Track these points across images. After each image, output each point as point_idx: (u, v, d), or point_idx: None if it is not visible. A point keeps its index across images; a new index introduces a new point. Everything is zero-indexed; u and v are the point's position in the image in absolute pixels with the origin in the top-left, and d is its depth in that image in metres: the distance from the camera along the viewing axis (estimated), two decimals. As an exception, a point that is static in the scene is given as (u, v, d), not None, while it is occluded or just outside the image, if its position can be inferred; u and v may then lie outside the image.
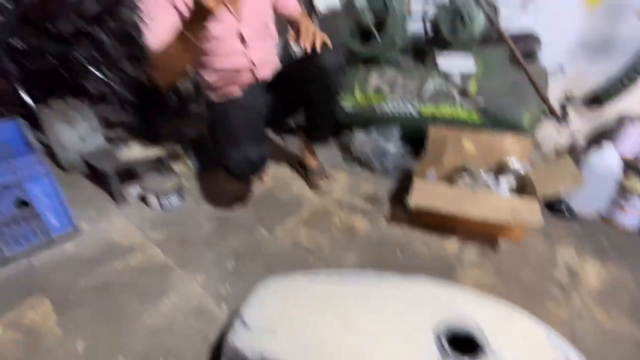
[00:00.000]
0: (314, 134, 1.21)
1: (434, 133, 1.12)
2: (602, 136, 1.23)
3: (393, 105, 1.31)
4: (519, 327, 0.44)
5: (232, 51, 1.03)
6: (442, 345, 0.39)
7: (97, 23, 1.88)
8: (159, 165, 1.32)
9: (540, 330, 0.43)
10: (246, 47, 1.05)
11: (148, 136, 1.55)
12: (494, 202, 0.87)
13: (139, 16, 0.98)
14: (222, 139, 1.02)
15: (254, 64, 1.08)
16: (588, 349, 0.58)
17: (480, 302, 0.48)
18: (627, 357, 0.62)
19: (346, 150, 1.47)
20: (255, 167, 0.98)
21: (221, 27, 0.96)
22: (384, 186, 1.22)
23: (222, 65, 1.04)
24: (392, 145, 1.30)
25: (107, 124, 2.03)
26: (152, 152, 1.28)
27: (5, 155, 1.16)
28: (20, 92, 1.68)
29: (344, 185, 1.24)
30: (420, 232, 0.97)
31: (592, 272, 0.82)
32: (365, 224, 1.01)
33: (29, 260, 0.89)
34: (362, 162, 1.35)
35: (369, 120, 1.39)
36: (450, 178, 1.06)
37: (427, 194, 0.92)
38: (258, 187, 1.22)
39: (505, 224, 0.83)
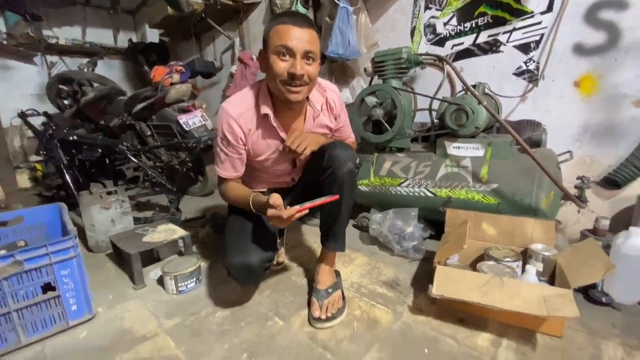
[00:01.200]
0: (329, 241, 1.04)
1: (451, 214, 1.12)
2: (624, 217, 1.20)
3: (408, 188, 1.35)
4: None
5: (282, 173, 1.13)
6: None
7: (141, 118, 2.16)
8: (180, 247, 1.35)
9: None
10: (293, 170, 1.13)
11: (175, 220, 1.63)
12: (523, 291, 0.82)
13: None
14: (228, 239, 1.02)
15: (293, 179, 1.16)
16: None
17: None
18: None
19: (363, 230, 1.47)
20: (255, 275, 0.97)
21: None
22: (405, 270, 1.18)
23: (268, 180, 1.14)
24: (411, 226, 1.30)
25: (138, 206, 2.17)
26: (178, 233, 1.33)
27: (42, 238, 1.24)
28: (67, 179, 1.86)
29: (363, 268, 1.21)
30: (448, 325, 0.89)
31: (653, 377, 0.71)
32: (387, 314, 0.95)
33: (42, 347, 0.87)
34: (381, 244, 1.34)
35: (385, 201, 1.42)
36: (473, 264, 1.03)
37: (451, 282, 0.88)
38: (276, 269, 1.21)
39: (539, 315, 0.76)
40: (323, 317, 0.92)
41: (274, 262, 1.21)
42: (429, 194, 1.30)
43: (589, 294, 0.98)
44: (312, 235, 1.51)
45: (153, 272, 1.26)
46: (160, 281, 1.17)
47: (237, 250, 0.95)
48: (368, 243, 1.40)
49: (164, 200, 2.11)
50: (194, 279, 1.14)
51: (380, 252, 1.32)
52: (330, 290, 0.99)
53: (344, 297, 1.00)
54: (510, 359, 0.77)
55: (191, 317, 0.98)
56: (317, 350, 0.83)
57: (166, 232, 1.38)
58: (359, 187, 1.50)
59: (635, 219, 1.13)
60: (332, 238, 1.04)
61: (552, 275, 0.96)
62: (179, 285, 1.11)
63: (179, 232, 1.35)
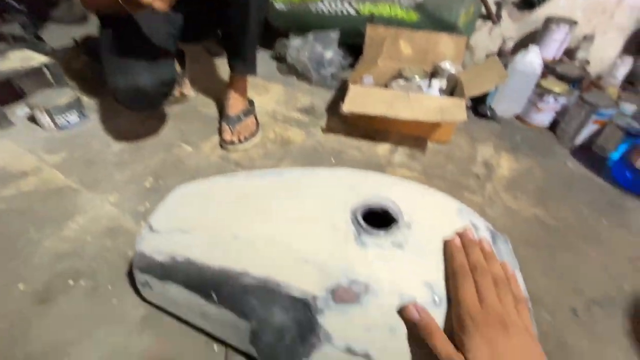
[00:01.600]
0: (237, 63, 0.91)
1: (371, 31, 1.03)
2: (530, 39, 1.26)
3: (330, 5, 1.17)
4: (432, 202, 0.44)
5: None
6: (358, 222, 0.38)
7: None
8: (48, 78, 1.07)
9: (452, 204, 0.45)
10: None
11: (38, 49, 1.23)
12: (424, 103, 0.86)
13: None
14: (106, 59, 0.79)
15: None
16: (495, 225, 0.64)
17: (398, 183, 0.47)
18: (528, 229, 0.71)
19: (281, 60, 1.34)
20: (148, 98, 0.80)
21: None
22: (322, 97, 1.15)
23: None
24: (331, 52, 1.19)
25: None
26: (37, 60, 1.02)
27: None
28: None
29: (279, 97, 1.14)
30: (354, 140, 0.95)
31: (505, 165, 0.89)
32: (301, 135, 0.96)
33: None
34: (299, 73, 1.24)
35: (305, 22, 1.24)
36: (386, 83, 1.02)
37: (361, 99, 0.88)
38: (179, 102, 1.07)
39: (434, 122, 0.83)
40: (235, 140, 0.88)
41: (177, 92, 1.06)
42: (352, 12, 1.15)
43: (478, 109, 1.10)
44: (223, 66, 1.32)
45: (20, 109, 1.01)
46: (33, 118, 0.96)
47: (119, 70, 0.77)
48: (286, 74, 1.29)
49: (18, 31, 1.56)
50: (75, 112, 0.96)
51: (298, 82, 1.24)
52: (242, 116, 0.93)
53: (257, 123, 0.96)
54: (403, 161, 0.88)
55: (80, 150, 0.86)
56: (230, 167, 0.83)
57: (21, 59, 1.05)
58: (275, 4, 1.26)
59: (538, 40, 1.19)
60: (240, 59, 0.90)
61: (452, 92, 1.02)
62: (56, 119, 0.92)
63: (38, 58, 1.04)
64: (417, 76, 1.00)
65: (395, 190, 0.43)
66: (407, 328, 0.32)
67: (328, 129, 0.99)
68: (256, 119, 0.97)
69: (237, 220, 0.40)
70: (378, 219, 0.40)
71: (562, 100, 1.00)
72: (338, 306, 0.33)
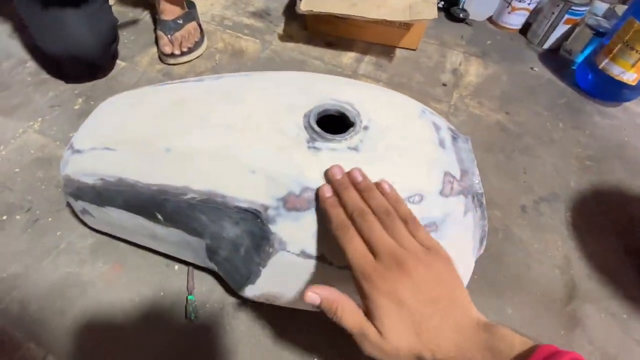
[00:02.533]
0: None
1: None
2: None
3: None
4: (393, 104, 0.41)
5: None
6: (312, 127, 0.34)
7: None
8: None
9: (413, 106, 0.41)
10: None
11: None
12: (392, 1, 0.76)
13: None
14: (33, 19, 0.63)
15: None
16: (459, 129, 0.63)
17: (356, 85, 0.43)
18: (490, 133, 0.71)
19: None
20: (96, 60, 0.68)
21: None
22: (278, 0, 1.00)
23: None
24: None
25: None
26: None
27: None
28: None
29: (226, 0, 0.97)
30: (316, 49, 0.85)
31: (473, 72, 0.85)
32: (255, 44, 0.85)
33: None
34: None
35: None
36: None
37: (321, -3, 0.76)
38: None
39: (402, 22, 0.75)
40: (177, 52, 0.76)
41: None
42: None
43: (450, 11, 1.01)
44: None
45: None
46: None
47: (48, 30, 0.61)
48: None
49: None
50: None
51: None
52: (180, 22, 0.78)
53: (201, 30, 0.82)
54: (369, 70, 0.82)
55: (-15, 71, 0.71)
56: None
57: None
58: None
59: None
60: None
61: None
62: (-55, 32, 0.74)
63: None
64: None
65: (352, 92, 0.39)
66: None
67: (286, 37, 0.87)
68: (199, 25, 0.83)
69: (169, 131, 0.35)
70: (333, 123, 0.37)
71: (538, -3, 0.92)
72: (290, 214, 0.31)
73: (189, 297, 0.44)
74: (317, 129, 0.34)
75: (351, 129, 0.35)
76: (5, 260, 0.47)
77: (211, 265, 0.41)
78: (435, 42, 0.92)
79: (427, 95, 0.77)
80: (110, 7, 0.72)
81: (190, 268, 0.46)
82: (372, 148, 0.34)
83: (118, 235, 0.46)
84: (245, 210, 0.32)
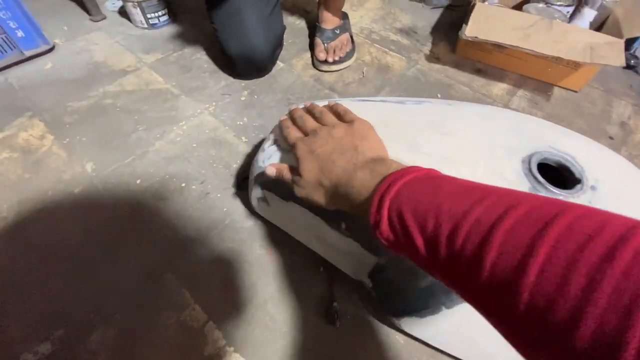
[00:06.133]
0: None
1: None
2: None
3: None
4: (614, 164, 0.36)
5: None
6: (533, 176, 0.32)
7: None
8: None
9: (635, 171, 0.36)
10: None
11: None
12: (570, 36, 0.69)
13: None
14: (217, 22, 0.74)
15: None
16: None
17: (575, 137, 0.39)
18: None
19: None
20: (266, 65, 0.78)
21: None
22: (425, 18, 0.99)
23: None
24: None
25: None
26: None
27: None
28: None
29: (375, 13, 1.00)
30: (464, 74, 0.82)
31: (647, 128, 0.74)
32: (401, 61, 0.85)
33: (5, 78, 0.75)
34: (399, -15, 1.06)
35: None
36: (518, 8, 0.84)
37: (490, 23, 0.73)
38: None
39: (581, 61, 0.68)
40: (330, 59, 0.80)
41: None
42: None
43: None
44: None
45: (110, 2, 0.99)
46: (123, 13, 0.94)
47: (232, 32, 0.71)
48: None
49: None
50: (166, 10, 0.91)
51: (396, -3, 1.07)
52: (337, 32, 0.82)
53: (352, 41, 0.86)
54: (523, 105, 0.76)
55: (174, 53, 0.84)
56: (324, 91, 0.77)
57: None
58: None
59: None
60: None
61: (599, 28, 0.82)
62: (149, 16, 0.89)
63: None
64: (560, 1, 0.80)
65: (572, 143, 0.36)
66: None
67: (433, 57, 0.86)
68: (351, 36, 0.86)
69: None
70: (549, 175, 0.34)
71: None
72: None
73: (335, 303, 0.46)
74: (540, 179, 0.32)
75: (578, 185, 0.32)
76: (182, 223, 0.54)
77: (365, 281, 0.42)
78: (599, 87, 0.82)
79: (590, 146, 0.69)
80: (281, 13, 0.80)
81: (337, 274, 0.48)
82: (604, 213, 0.30)
83: (281, 226, 0.49)
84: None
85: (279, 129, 0.42)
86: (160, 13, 0.91)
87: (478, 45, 0.79)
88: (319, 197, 0.33)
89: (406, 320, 0.38)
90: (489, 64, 0.83)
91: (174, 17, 0.95)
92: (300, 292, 0.47)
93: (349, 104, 0.45)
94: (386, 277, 0.38)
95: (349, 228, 0.38)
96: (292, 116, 0.41)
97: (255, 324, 0.45)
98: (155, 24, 0.91)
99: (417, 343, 0.42)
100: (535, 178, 0.32)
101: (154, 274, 0.48)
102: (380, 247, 0.36)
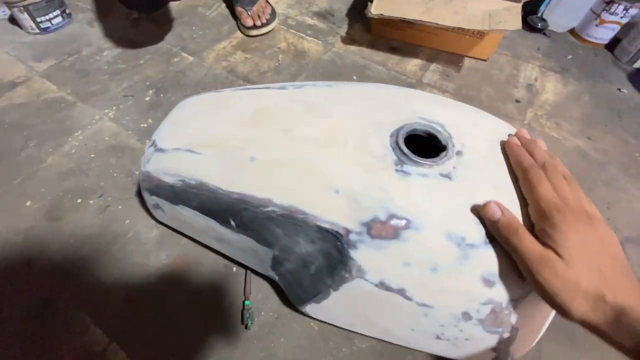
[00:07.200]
0: None
1: None
2: None
3: None
4: (488, 128, 0.37)
5: None
6: (400, 148, 0.32)
7: None
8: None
9: (507, 130, 0.38)
10: None
11: None
12: (470, 6, 0.71)
13: None
14: None
15: None
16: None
17: (447, 104, 0.40)
18: (569, 160, 0.65)
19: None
20: None
21: None
22: (341, 0, 0.98)
23: None
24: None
25: None
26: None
27: None
28: None
29: (291, -2, 0.97)
30: (380, 54, 0.82)
31: (551, 89, 0.78)
32: (317, 45, 0.84)
33: None
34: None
35: None
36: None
37: (392, 1, 0.73)
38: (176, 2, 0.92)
39: (479, 31, 0.70)
40: (258, 23, 0.81)
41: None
42: None
43: (527, 20, 0.93)
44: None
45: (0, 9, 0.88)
46: (14, 20, 0.84)
47: None
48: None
49: None
50: (58, 11, 0.83)
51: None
52: None
53: (270, 5, 0.87)
54: (435, 79, 0.77)
55: (70, 57, 0.76)
56: (238, 82, 0.74)
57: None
58: None
59: None
60: None
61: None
62: (39, 20, 0.80)
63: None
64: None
65: (442, 111, 0.36)
66: (487, 228, 0.29)
67: (349, 40, 0.85)
68: (268, 1, 0.88)
69: (254, 140, 0.34)
70: (421, 145, 0.34)
71: (634, 11, 0.82)
72: (374, 241, 0.29)
73: (246, 302, 0.44)
74: (405, 150, 0.32)
75: (443, 153, 0.32)
76: (79, 242, 0.49)
77: (272, 275, 0.40)
78: (508, 54, 0.86)
79: (498, 112, 0.72)
80: None
81: (249, 272, 0.46)
82: (467, 177, 0.31)
83: (183, 231, 0.47)
84: (326, 230, 0.31)
85: (509, 156, 0.33)
86: (52, 15, 0.82)
87: (391, 23, 0.79)
88: (579, 304, 0.24)
89: (309, 307, 0.37)
90: (403, 41, 0.84)
91: (70, 17, 0.86)
92: (213, 297, 0.45)
93: (230, 94, 0.43)
94: (285, 267, 0.37)
95: (239, 225, 0.36)
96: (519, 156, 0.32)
97: (164, 336, 0.42)
98: (48, 27, 0.82)
99: (330, 327, 0.42)
100: (402, 151, 0.32)
101: (47, 302, 0.44)
102: (272, 238, 0.35)
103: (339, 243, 0.30)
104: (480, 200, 0.30)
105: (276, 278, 0.40)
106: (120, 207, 0.53)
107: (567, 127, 0.71)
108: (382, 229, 0.29)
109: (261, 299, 0.45)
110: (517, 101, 0.75)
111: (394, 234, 0.29)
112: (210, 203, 0.35)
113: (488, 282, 0.28)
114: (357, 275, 0.30)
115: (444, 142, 0.33)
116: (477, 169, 0.32)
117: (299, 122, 0.35)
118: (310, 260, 0.34)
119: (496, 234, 0.28)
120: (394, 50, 0.83)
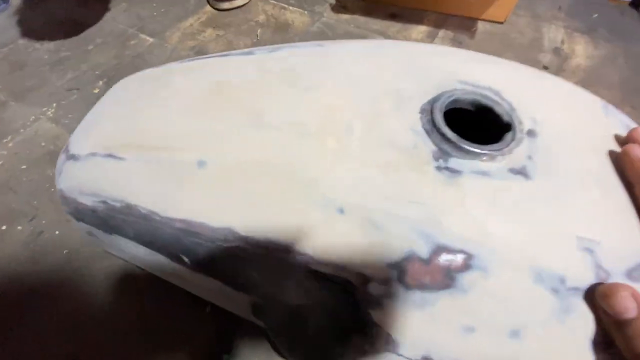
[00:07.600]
0: None
1: None
2: None
3: None
4: (560, 93, 0.25)
5: None
6: (438, 130, 0.19)
7: None
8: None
9: (589, 97, 0.26)
10: None
11: None
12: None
13: None
14: None
15: None
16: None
17: (492, 62, 0.27)
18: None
19: None
20: None
21: None
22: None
23: None
24: None
25: None
26: None
27: None
28: None
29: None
30: (377, 21, 0.69)
31: (581, 52, 0.66)
32: (303, 16, 0.70)
33: None
34: None
35: None
36: None
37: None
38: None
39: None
40: None
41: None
42: None
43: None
44: None
45: None
46: None
47: None
48: None
49: None
50: (-14, -8, 0.69)
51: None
52: None
53: None
54: (446, 46, 0.65)
55: (4, 48, 0.63)
56: (208, 66, 0.61)
57: None
58: None
59: None
60: None
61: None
62: (-39, 4, 0.66)
63: None
64: None
65: (491, 71, 0.24)
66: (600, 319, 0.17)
67: (339, 7, 0.72)
68: None
69: (205, 134, 0.22)
70: (466, 124, 0.22)
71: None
72: (411, 294, 0.17)
73: (225, 355, 0.33)
74: (449, 134, 0.20)
75: (507, 134, 0.20)
76: (4, 283, 0.37)
77: (257, 321, 0.29)
78: (526, 14, 0.73)
79: (524, 81, 0.60)
80: None
81: (229, 316, 0.35)
82: (551, 172, 0.19)
83: (135, 264, 0.35)
84: (326, 279, 0.19)
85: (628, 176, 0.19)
86: (-20, -3, 0.68)
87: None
88: None
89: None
90: (403, 5, 0.71)
91: (6, 2, 0.72)
92: (180, 342, 0.34)
93: (177, 67, 0.30)
94: (271, 319, 0.25)
95: (196, 264, 0.24)
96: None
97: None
98: (-23, 13, 0.68)
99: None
100: (442, 135, 0.20)
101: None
102: (246, 282, 0.23)
103: (350, 299, 0.18)
104: (580, 210, 0.18)
105: (263, 325, 0.29)
106: (57, 232, 0.40)
107: (607, 96, 0.58)
108: (425, 273, 0.17)
109: (246, 351, 0.34)
110: (545, 68, 0.63)
111: (446, 279, 0.17)
112: (147, 233, 0.23)
113: (606, 348, 0.17)
114: (386, 348, 0.18)
115: (506, 118, 0.21)
116: (565, 158, 0.20)
117: (274, 101, 0.23)
118: (304, 315, 0.22)
119: (622, 340, 0.16)
120: (393, 17, 0.70)
